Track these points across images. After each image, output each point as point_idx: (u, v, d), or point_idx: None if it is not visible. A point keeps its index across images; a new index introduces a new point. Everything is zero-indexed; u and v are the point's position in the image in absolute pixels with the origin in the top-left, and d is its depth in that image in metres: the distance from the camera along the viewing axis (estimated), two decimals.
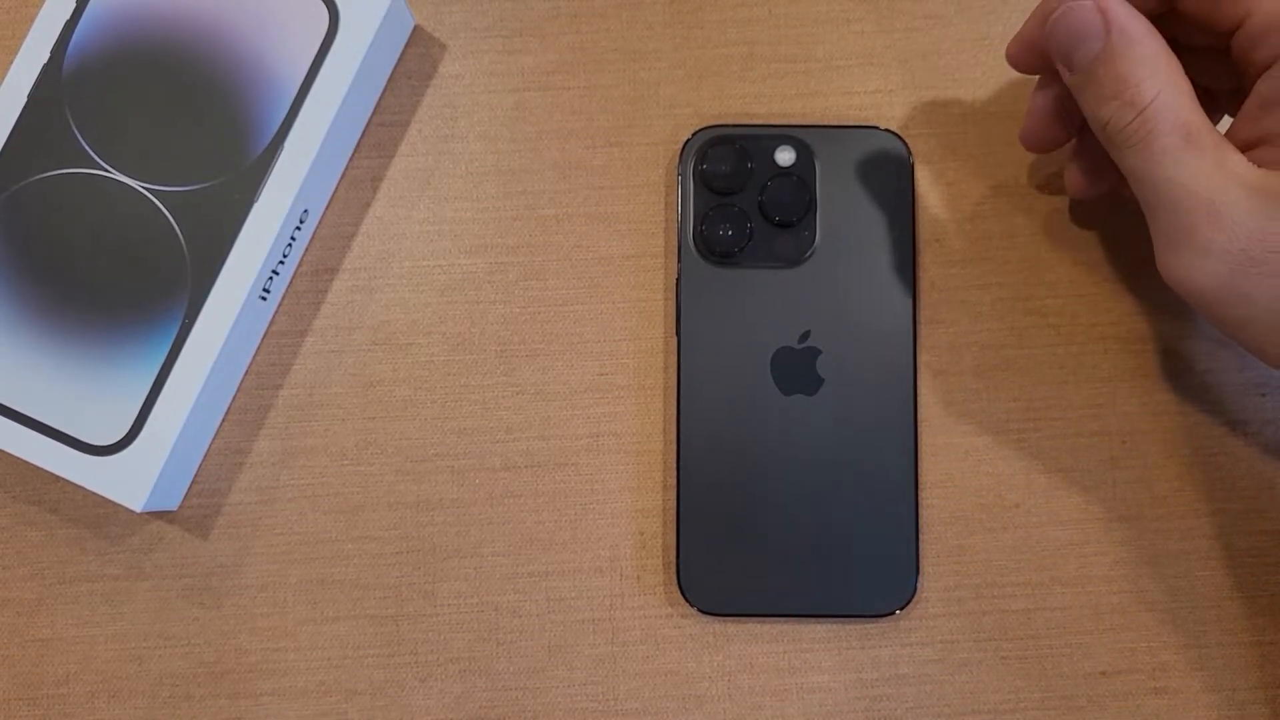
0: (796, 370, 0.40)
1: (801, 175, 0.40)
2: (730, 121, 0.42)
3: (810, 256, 0.40)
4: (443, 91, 0.42)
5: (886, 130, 0.40)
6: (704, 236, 0.40)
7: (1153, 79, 0.31)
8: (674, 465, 0.40)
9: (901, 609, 0.40)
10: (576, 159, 0.42)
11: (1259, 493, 0.40)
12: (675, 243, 0.41)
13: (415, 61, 0.43)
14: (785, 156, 0.40)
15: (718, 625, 0.41)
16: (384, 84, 0.42)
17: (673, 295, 0.41)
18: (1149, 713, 0.40)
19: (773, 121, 0.41)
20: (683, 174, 0.41)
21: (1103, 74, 0.32)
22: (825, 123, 0.41)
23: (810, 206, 0.40)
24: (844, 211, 0.40)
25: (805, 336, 0.40)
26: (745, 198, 0.40)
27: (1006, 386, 0.41)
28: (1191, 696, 0.40)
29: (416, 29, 0.42)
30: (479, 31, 0.42)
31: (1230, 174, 0.31)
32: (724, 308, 0.40)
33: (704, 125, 0.41)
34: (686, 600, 0.40)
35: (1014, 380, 0.41)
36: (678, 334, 0.40)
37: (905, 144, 0.41)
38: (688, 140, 0.41)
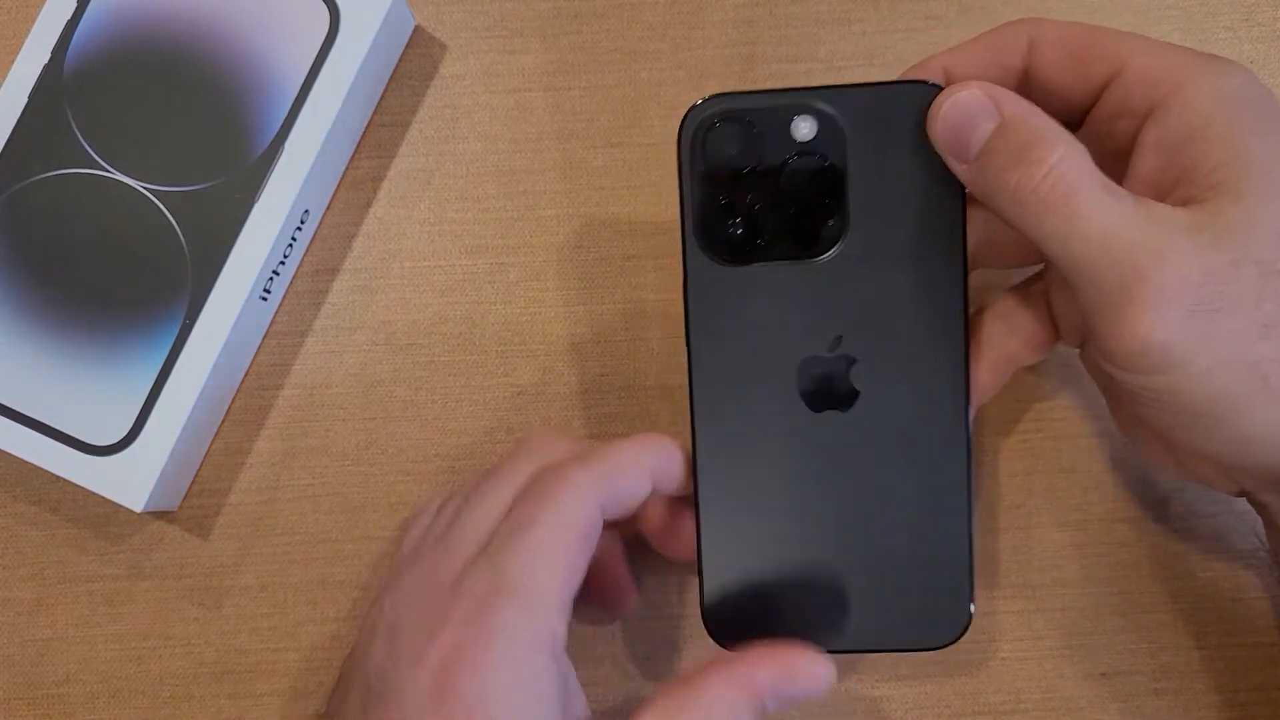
0: (827, 383, 0.34)
1: (826, 150, 0.33)
2: (736, 89, 0.35)
3: (840, 247, 0.34)
4: (443, 92, 0.42)
5: (931, 84, 0.33)
6: (711, 233, 0.34)
7: (1056, 138, 0.30)
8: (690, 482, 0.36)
9: (954, 642, 0.35)
10: (577, 159, 0.42)
11: None
12: (680, 239, 0.35)
13: (416, 62, 0.43)
14: (805, 129, 0.33)
15: None
16: (385, 84, 0.42)
17: (675, 296, 0.40)
18: (1150, 713, 0.40)
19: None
20: (682, 159, 0.34)
21: (1003, 146, 0.31)
22: (852, 82, 0.35)
23: (838, 187, 0.33)
24: (880, 190, 0.34)
25: (837, 343, 0.34)
26: (759, 182, 0.34)
27: (1008, 387, 0.41)
28: (1192, 698, 0.40)
29: (417, 29, 0.43)
30: (479, 32, 0.42)
31: (1161, 217, 0.30)
32: (740, 313, 0.34)
33: (704, 97, 0.34)
34: (717, 641, 0.35)
35: (1015, 381, 0.41)
36: (688, 346, 0.35)
37: None
38: (685, 116, 0.34)
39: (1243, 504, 0.41)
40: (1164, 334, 0.29)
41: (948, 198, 0.33)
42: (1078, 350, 0.37)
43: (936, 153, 0.33)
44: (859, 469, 0.35)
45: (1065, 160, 0.30)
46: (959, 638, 0.35)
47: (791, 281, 0.34)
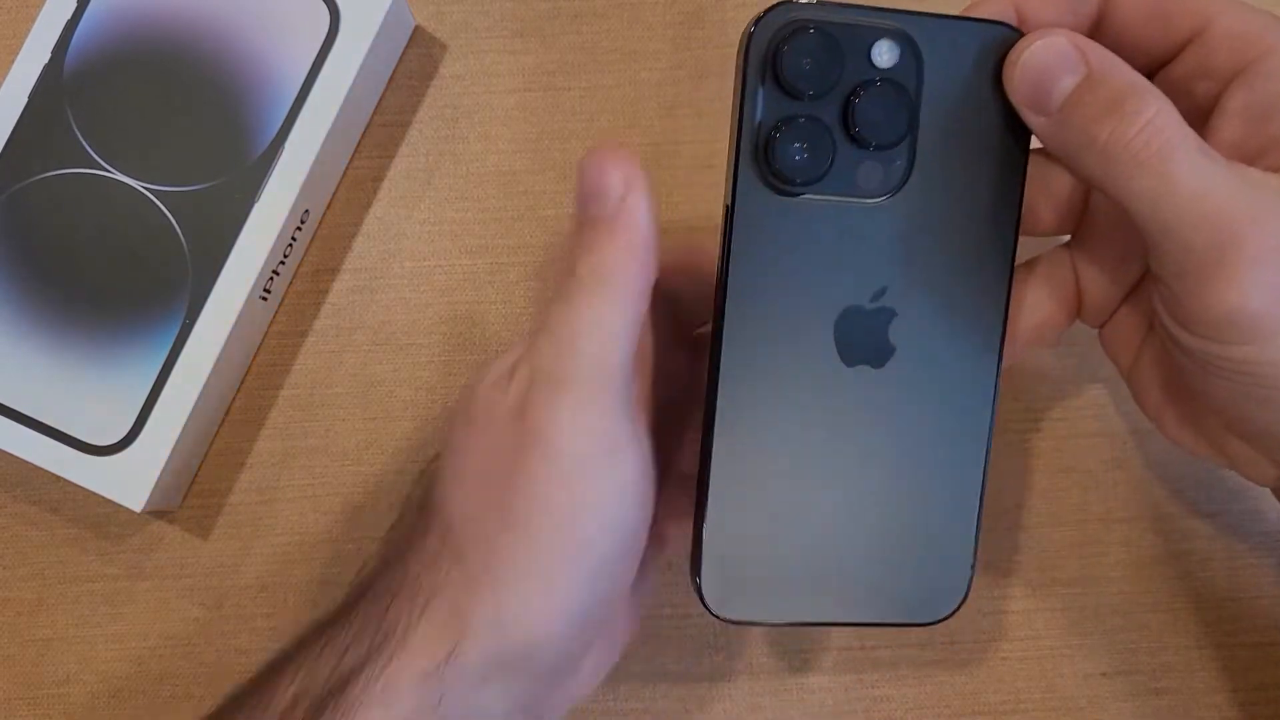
0: (864, 336, 0.32)
1: (903, 81, 0.30)
2: None
3: (900, 191, 0.31)
4: (444, 92, 0.42)
5: (1011, 28, 0.31)
6: (770, 156, 0.30)
7: (1149, 92, 0.28)
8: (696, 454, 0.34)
9: (949, 617, 0.34)
10: (577, 159, 0.42)
11: (1260, 493, 0.40)
12: (730, 161, 0.31)
13: (416, 61, 0.43)
14: (886, 54, 0.30)
15: (718, 624, 0.41)
16: (385, 84, 0.42)
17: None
18: (1150, 713, 0.40)
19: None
20: (747, 71, 0.30)
21: (1091, 99, 0.29)
22: (930, 12, 0.31)
23: (911, 124, 0.31)
24: (947, 134, 0.31)
25: (880, 294, 0.32)
26: (827, 106, 0.30)
27: (1007, 387, 0.41)
28: (1192, 697, 0.40)
29: (417, 29, 0.43)
30: (480, 32, 0.42)
31: (1258, 182, 0.28)
32: (784, 251, 0.31)
33: (777, 2, 0.30)
34: (707, 608, 0.32)
35: (1015, 380, 0.41)
36: (722, 280, 0.31)
37: None
38: (757, 22, 0.30)
39: (1245, 504, 0.41)
40: (1256, 302, 0.27)
41: (1012, 151, 0.31)
42: (1080, 350, 0.37)
43: (1006, 100, 0.31)
44: (882, 430, 0.32)
45: (1161, 116, 0.28)
46: (954, 613, 0.33)
47: (845, 222, 0.31)
